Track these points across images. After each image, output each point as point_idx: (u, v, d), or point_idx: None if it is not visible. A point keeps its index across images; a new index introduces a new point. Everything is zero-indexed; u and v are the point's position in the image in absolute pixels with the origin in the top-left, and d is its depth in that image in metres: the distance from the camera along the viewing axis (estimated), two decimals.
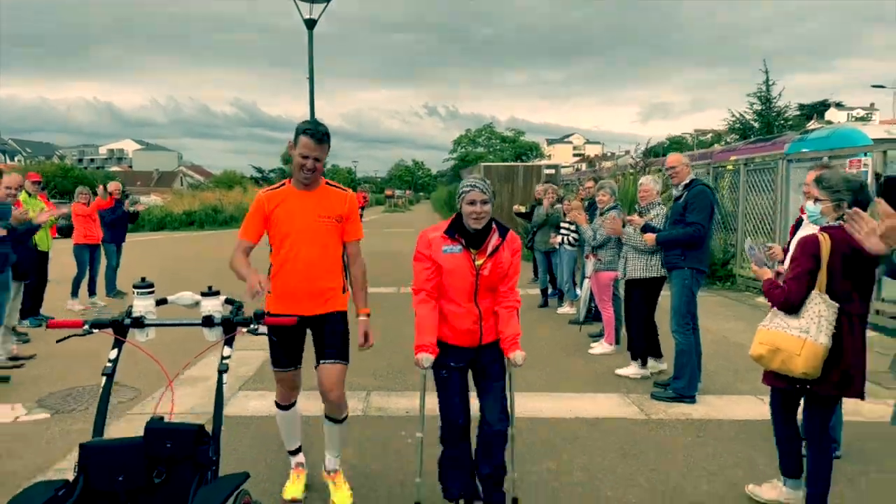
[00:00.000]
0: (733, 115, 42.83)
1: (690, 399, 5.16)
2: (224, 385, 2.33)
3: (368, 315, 3.42)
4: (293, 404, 3.57)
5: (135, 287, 2.51)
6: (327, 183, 3.38)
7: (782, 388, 3.33)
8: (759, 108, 41.52)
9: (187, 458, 2.17)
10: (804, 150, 10.44)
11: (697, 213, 5.19)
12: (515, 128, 51.03)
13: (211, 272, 13.08)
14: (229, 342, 2.42)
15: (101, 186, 10.17)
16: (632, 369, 5.91)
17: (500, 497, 3.19)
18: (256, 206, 3.28)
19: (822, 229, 3.22)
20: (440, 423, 3.17)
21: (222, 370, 2.32)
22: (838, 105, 70.95)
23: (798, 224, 4.19)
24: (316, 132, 3.16)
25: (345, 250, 3.43)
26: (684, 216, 5.24)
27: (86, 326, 2.38)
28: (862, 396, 3.18)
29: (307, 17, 10.15)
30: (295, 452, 3.71)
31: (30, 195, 7.45)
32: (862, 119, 48.95)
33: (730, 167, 12.52)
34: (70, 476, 2.12)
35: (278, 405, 3.58)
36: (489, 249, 3.07)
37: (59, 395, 5.35)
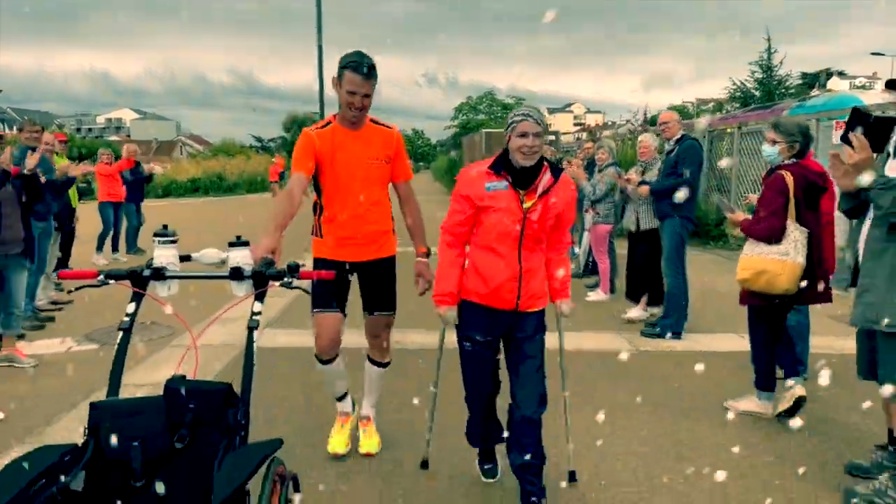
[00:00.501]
0: (734, 84, 43.10)
1: (677, 335, 5.68)
2: (255, 343, 2.11)
3: (428, 254, 3.21)
4: (335, 358, 3.30)
5: (156, 236, 2.27)
6: (372, 120, 3.14)
7: (760, 305, 3.87)
8: (761, 76, 41.72)
9: (213, 422, 1.92)
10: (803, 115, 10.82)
11: (688, 165, 5.63)
12: (516, 95, 50.90)
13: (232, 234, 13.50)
14: (260, 297, 2.17)
15: (105, 153, 10.30)
16: (636, 311, 6.39)
17: (537, 490, 2.81)
18: (306, 141, 3.04)
19: (782, 167, 3.73)
20: (464, 393, 2.99)
21: (252, 327, 2.11)
22: (840, 74, 70.69)
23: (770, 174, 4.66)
24: (361, 65, 2.89)
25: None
26: (676, 169, 5.68)
27: (100, 277, 2.16)
28: (830, 300, 3.85)
29: None
30: (342, 398, 3.54)
31: (57, 154, 7.88)
32: (862, 87, 48.92)
33: (729, 130, 12.90)
34: (79, 440, 1.89)
35: (319, 359, 3.29)
36: (539, 190, 2.71)
37: (105, 331, 5.90)
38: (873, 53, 68.26)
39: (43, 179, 5.45)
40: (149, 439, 1.85)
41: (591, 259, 8.04)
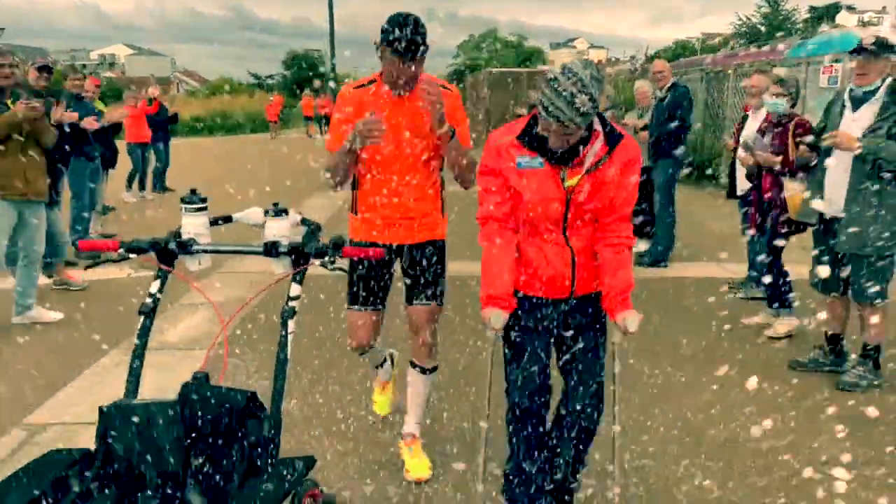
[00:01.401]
0: (740, 19, 42.63)
1: (664, 263, 6.39)
2: (290, 337, 1.81)
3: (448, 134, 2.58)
4: (371, 346, 2.97)
5: (183, 202, 1.98)
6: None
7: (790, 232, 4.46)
8: (767, 11, 41.21)
9: (234, 435, 1.65)
10: (802, 55, 11.15)
11: (683, 111, 6.26)
12: (518, 31, 50.39)
13: (266, 178, 14.15)
14: (298, 278, 1.87)
15: (131, 95, 10.68)
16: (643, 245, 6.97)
17: None
18: (342, 105, 2.69)
19: (794, 116, 4.48)
20: (507, 407, 2.42)
21: (287, 316, 1.81)
22: (850, 8, 69.42)
23: (744, 119, 5.25)
24: (402, 48, 2.42)
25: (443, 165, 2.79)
26: (670, 113, 6.28)
27: (121, 250, 1.93)
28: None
29: None
30: (380, 365, 3.29)
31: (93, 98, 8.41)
32: (867, 24, 48.22)
33: (729, 71, 13.26)
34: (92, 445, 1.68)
35: (352, 348, 2.97)
36: (588, 163, 2.16)
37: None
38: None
39: (96, 125, 6.04)
40: (162, 452, 1.60)
41: None
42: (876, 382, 3.89)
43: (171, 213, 7.67)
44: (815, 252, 4.10)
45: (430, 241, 2.82)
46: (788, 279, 4.66)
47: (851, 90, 3.88)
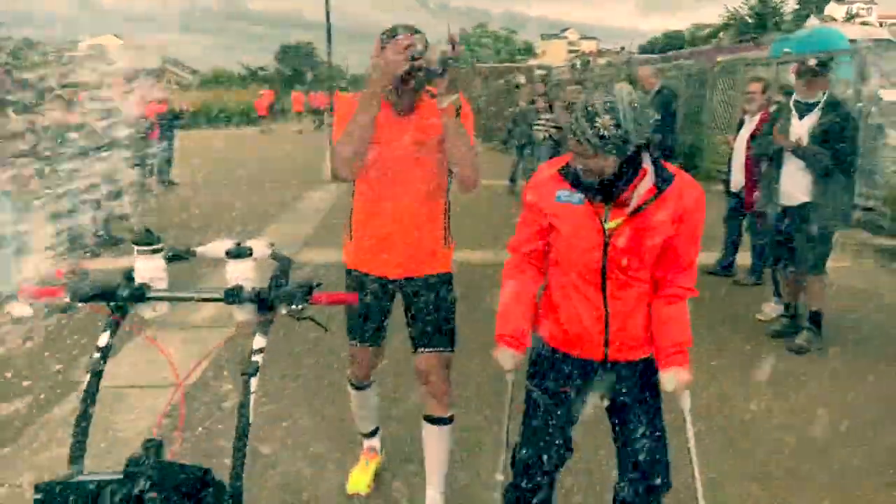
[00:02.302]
0: (728, 12, 43.11)
1: None
2: (252, 398, 1.57)
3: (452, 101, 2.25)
4: (371, 384, 2.84)
5: (135, 243, 1.74)
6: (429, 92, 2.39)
7: None
8: (755, 3, 41.71)
9: None
10: (786, 51, 11.59)
11: (668, 114, 7.06)
12: (511, 20, 50.88)
13: (272, 169, 14.53)
14: (264, 328, 1.65)
15: None
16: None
17: None
18: (347, 111, 2.35)
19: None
20: (513, 456, 2.20)
21: (249, 373, 1.59)
22: None
23: (741, 124, 5.82)
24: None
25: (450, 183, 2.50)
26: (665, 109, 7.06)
27: (66, 298, 1.66)
28: None
29: None
30: (370, 435, 3.03)
31: None
32: (853, 17, 48.78)
33: (716, 69, 13.74)
34: None
35: (351, 383, 2.82)
36: (633, 204, 1.92)
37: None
38: None
39: None
40: None
41: None
42: (819, 347, 4.51)
43: (176, 207, 8.17)
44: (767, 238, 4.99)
45: (434, 274, 2.53)
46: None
47: (797, 101, 4.57)
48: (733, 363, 4.33)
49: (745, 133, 5.66)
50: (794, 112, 4.55)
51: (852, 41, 11.80)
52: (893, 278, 6.31)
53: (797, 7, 53.73)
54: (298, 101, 25.45)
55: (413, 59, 2.15)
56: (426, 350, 2.56)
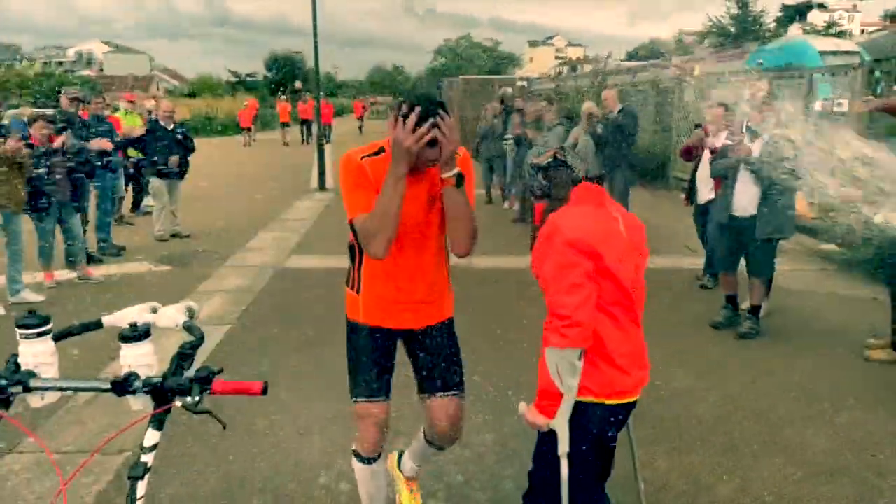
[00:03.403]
0: (710, 20, 43.91)
1: None
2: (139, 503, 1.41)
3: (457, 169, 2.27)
4: (379, 456, 2.61)
5: (19, 327, 1.54)
6: None
7: None
8: (736, 12, 42.50)
9: None
10: (759, 62, 12.05)
11: (632, 129, 7.68)
12: (497, 28, 51.62)
13: (251, 182, 14.84)
14: (157, 422, 1.49)
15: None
16: None
17: None
18: (359, 175, 2.30)
19: None
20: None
21: (135, 476, 1.43)
22: (820, 6, 71.13)
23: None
24: (423, 109, 2.14)
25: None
26: (621, 131, 7.69)
27: None
28: None
29: None
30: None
31: (127, 113, 9.22)
32: (830, 27, 49.71)
33: (692, 81, 14.25)
34: None
35: (358, 456, 2.61)
36: None
37: (171, 257, 7.59)
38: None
39: (109, 145, 7.01)
40: None
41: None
42: (758, 330, 5.21)
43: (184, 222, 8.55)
44: (718, 243, 5.53)
45: (445, 320, 2.56)
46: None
47: (748, 126, 5.19)
48: (686, 354, 4.79)
49: (707, 155, 6.05)
50: (746, 135, 5.19)
51: (827, 53, 12.38)
52: (828, 279, 6.81)
53: (779, 14, 54.89)
54: (285, 111, 25.18)
55: (431, 144, 2.15)
56: (443, 395, 2.55)
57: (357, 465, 2.62)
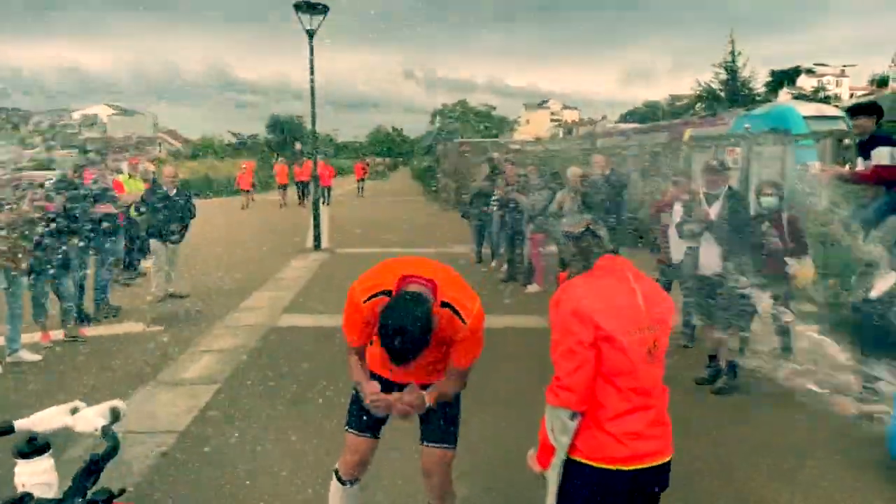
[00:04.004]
0: (700, 85, 45.21)
1: None
2: None
3: (430, 403, 2.59)
4: (357, 480, 2.86)
5: (18, 454, 1.42)
6: (443, 303, 2.50)
7: None
8: (725, 77, 43.78)
9: None
10: (746, 126, 12.41)
11: (618, 192, 8.08)
12: (494, 92, 53.38)
13: (244, 244, 15.12)
14: None
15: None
16: None
17: None
18: (355, 315, 2.57)
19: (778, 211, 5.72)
20: None
21: None
22: (809, 71, 73.30)
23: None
24: (397, 354, 2.32)
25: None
26: (609, 194, 8.02)
27: None
28: None
29: (308, 27, 12.17)
30: None
31: (130, 176, 9.53)
32: (817, 93, 51.13)
33: (684, 145, 14.69)
34: None
35: (337, 474, 2.84)
36: None
37: (166, 317, 7.78)
38: (813, 65, 70.15)
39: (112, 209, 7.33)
40: None
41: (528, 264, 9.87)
42: (735, 385, 5.41)
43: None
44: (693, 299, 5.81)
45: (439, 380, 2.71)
46: None
47: (705, 191, 5.58)
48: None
49: (678, 212, 6.33)
50: (703, 200, 5.58)
51: (811, 118, 12.85)
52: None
53: (769, 79, 56.54)
54: (283, 172, 25.38)
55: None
56: (433, 445, 2.75)
57: (334, 483, 2.84)
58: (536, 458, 2.32)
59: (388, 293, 2.46)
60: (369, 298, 2.50)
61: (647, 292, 2.30)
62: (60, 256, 6.57)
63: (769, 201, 5.62)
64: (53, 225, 6.47)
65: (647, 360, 2.22)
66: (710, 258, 5.45)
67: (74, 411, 1.55)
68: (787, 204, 5.83)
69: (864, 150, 5.23)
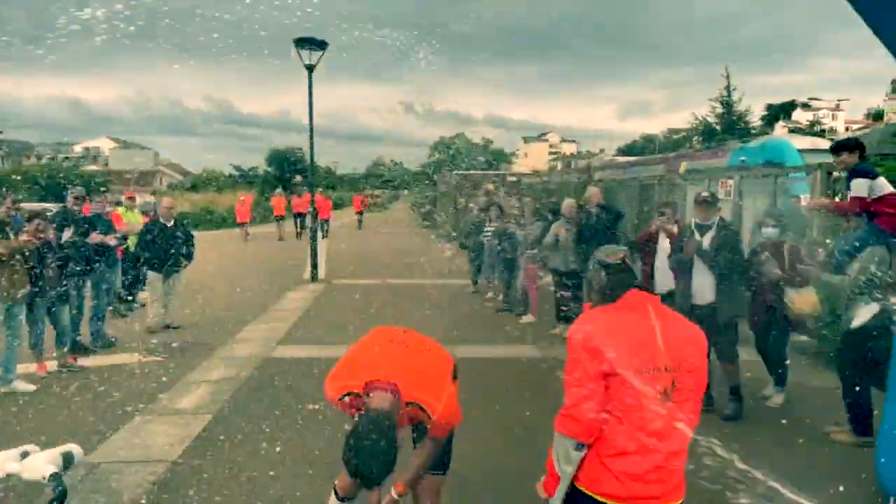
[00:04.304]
0: (696, 119, 45.69)
1: None
2: None
3: (402, 496, 2.72)
4: (353, 498, 2.98)
5: None
6: (408, 403, 2.59)
7: None
8: (721, 111, 44.27)
9: None
10: (742, 159, 12.55)
11: (611, 224, 8.03)
12: (493, 125, 54.18)
13: (243, 276, 15.11)
14: None
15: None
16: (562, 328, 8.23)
17: None
18: (331, 401, 2.78)
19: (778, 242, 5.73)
20: None
21: None
22: (805, 105, 74.16)
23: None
24: (364, 482, 2.41)
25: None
26: (602, 227, 7.95)
27: None
28: None
29: (307, 62, 12.40)
30: None
31: (127, 209, 9.64)
32: (812, 127, 51.73)
33: (678, 179, 14.82)
34: None
35: (335, 490, 2.97)
36: None
37: (161, 348, 7.77)
38: (808, 99, 71.20)
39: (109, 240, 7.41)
40: None
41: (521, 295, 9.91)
42: (741, 411, 5.46)
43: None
44: None
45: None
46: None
47: (697, 222, 5.68)
48: None
49: (664, 244, 6.36)
50: (695, 231, 5.65)
51: (805, 151, 13.00)
52: (798, 369, 6.99)
53: (765, 113, 57.10)
54: (280, 204, 25.39)
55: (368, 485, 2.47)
56: (432, 473, 2.87)
57: (333, 498, 2.98)
58: (544, 485, 2.34)
59: (357, 394, 2.60)
60: (342, 398, 2.67)
61: (669, 331, 2.24)
62: (58, 287, 6.62)
63: (770, 232, 5.70)
64: (52, 256, 6.54)
65: (660, 400, 2.14)
66: (704, 287, 5.48)
67: (24, 455, 1.46)
68: (787, 234, 5.90)
69: (850, 182, 5.34)
